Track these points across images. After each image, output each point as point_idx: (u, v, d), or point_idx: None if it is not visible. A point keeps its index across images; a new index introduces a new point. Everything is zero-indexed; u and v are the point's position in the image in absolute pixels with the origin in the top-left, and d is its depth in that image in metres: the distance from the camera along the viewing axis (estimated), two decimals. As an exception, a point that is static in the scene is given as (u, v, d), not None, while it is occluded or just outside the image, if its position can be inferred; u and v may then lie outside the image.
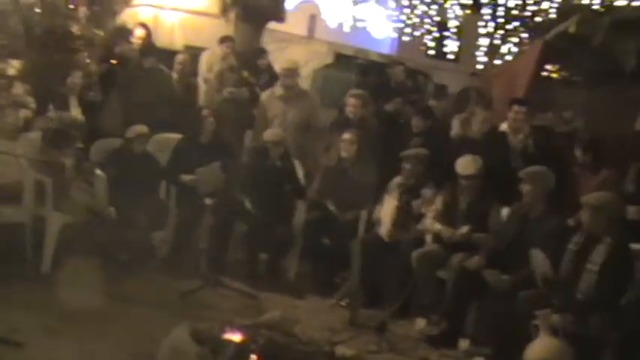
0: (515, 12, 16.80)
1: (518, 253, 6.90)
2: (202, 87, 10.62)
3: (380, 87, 11.22)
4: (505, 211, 7.56)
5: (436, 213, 7.73)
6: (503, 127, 8.83)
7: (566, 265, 6.44)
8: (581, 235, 6.48)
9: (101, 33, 9.00)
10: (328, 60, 16.10)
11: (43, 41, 8.71)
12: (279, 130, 8.76)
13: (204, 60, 10.96)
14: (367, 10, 17.90)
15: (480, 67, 16.26)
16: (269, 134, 8.56)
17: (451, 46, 18.71)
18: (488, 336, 6.97)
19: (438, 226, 7.63)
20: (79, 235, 7.40)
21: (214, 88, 10.22)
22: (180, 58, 10.07)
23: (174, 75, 9.91)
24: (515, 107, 8.65)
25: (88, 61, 9.00)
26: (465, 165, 7.65)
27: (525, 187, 7.12)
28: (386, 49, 17.91)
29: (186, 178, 8.10)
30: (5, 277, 6.81)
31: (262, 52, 11.41)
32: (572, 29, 11.04)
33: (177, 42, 13.92)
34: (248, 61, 10.97)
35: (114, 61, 9.46)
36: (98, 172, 7.81)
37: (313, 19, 17.76)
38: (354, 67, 14.39)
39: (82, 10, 8.86)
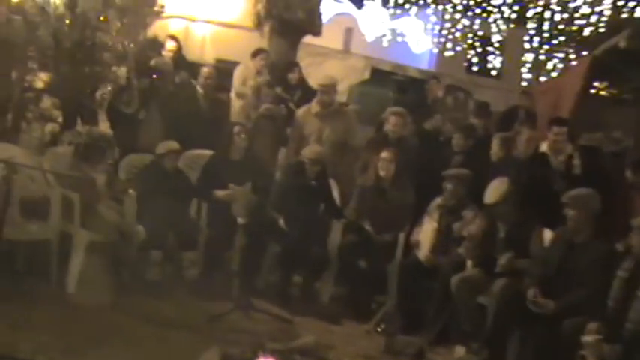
0: (561, 26, 16.74)
1: (564, 279, 6.85)
2: (236, 102, 10.69)
3: (419, 104, 11.23)
4: (547, 234, 7.49)
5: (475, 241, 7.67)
6: (543, 147, 8.79)
7: (616, 293, 6.37)
8: (631, 261, 6.41)
9: (132, 46, 9.08)
10: (365, 75, 16.15)
11: (73, 53, 8.80)
12: (319, 148, 8.79)
13: (238, 74, 11.04)
14: (406, 24, 17.94)
15: (524, 83, 16.24)
16: (308, 151, 8.58)
17: (494, 61, 18.68)
18: (531, 366, 6.90)
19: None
20: (106, 254, 7.48)
21: (251, 103, 10.28)
22: (205, 71, 10.03)
23: (200, 89, 9.92)
24: (555, 128, 8.58)
25: (119, 74, 9.07)
26: (489, 193, 7.62)
27: (569, 212, 6.98)
28: (425, 65, 17.94)
29: (221, 193, 8.16)
30: (29, 295, 6.91)
31: (293, 66, 11.43)
32: (622, 44, 10.98)
33: (208, 55, 14.05)
34: (278, 75, 11.03)
35: (155, 76, 9.53)
36: (131, 191, 7.91)
37: (349, 32, 17.85)
38: (392, 83, 14.43)
39: (113, 22, 8.93)
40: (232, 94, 10.92)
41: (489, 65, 19.05)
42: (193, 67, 10.61)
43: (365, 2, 17.88)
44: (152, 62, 9.80)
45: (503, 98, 14.10)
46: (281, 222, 8.35)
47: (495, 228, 7.59)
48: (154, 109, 9.25)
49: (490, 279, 7.35)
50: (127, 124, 8.99)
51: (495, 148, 8.62)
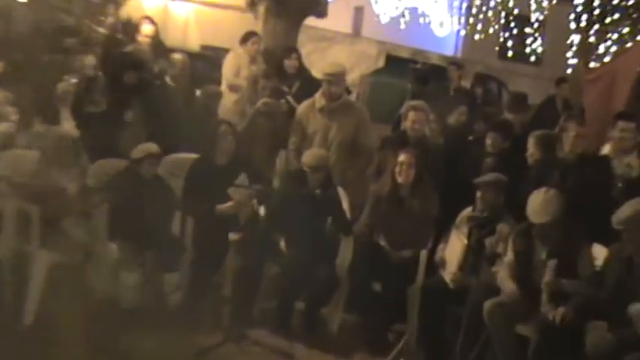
0: (615, 1, 16.69)
1: (622, 305, 6.80)
2: (229, 96, 10.74)
3: (442, 97, 11.29)
4: (598, 251, 7.50)
5: (508, 265, 7.65)
6: (606, 149, 8.79)
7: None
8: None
9: (101, 29, 9.14)
10: (379, 64, 16.21)
11: (29, 39, 8.84)
12: (322, 152, 8.84)
13: (229, 63, 11.10)
14: (427, 2, 17.96)
15: (569, 71, 16.23)
16: (309, 157, 8.58)
17: (533, 45, 18.67)
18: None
19: (507, 286, 7.53)
20: (71, 278, 7.55)
21: (246, 97, 10.33)
22: (178, 59, 10.05)
23: (170, 82, 9.95)
24: (621, 123, 8.57)
25: (85, 63, 9.11)
26: (537, 209, 7.44)
27: (626, 236, 6.97)
28: (450, 50, 18.01)
29: (224, 207, 8.24)
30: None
31: (290, 52, 11.52)
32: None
33: (192, 41, 14.10)
34: (274, 64, 11.08)
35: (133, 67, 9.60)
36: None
37: (359, 12, 17.92)
38: (411, 72, 14.50)
39: (78, 1, 8.97)
40: (223, 87, 10.98)
41: (527, 50, 19.08)
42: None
43: (378, -25, 17.90)
44: (129, 48, 9.85)
45: (543, 89, 14.14)
46: (281, 239, 8.43)
47: (533, 251, 7.54)
48: (137, 108, 9.33)
49: (531, 304, 7.34)
50: (98, 124, 9.04)
51: (532, 149, 8.59)
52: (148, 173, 8.25)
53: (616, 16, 17.28)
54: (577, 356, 6.93)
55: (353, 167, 9.51)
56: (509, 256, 7.63)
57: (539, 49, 18.93)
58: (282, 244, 8.44)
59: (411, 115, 9.34)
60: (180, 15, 14.58)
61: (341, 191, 8.93)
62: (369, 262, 8.36)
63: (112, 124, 9.20)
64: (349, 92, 11.79)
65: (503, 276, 7.58)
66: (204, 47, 13.63)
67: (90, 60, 9.18)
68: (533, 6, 18.23)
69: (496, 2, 17.91)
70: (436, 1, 18.05)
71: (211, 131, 8.77)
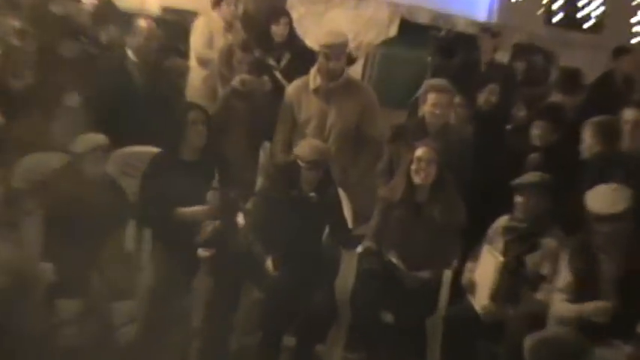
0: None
1: None
2: (199, 73, 10.71)
3: (471, 74, 11.28)
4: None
5: (565, 288, 7.62)
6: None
7: None
8: None
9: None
10: (390, 32, 16.18)
11: None
12: (319, 143, 8.77)
13: (199, 30, 11.10)
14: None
15: (635, 40, 16.18)
16: (306, 148, 8.48)
17: (589, 8, 18.62)
18: None
19: (575, 308, 7.45)
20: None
21: (218, 74, 10.27)
22: (143, 27, 9.91)
23: (132, 56, 9.83)
24: None
25: (10, 29, 9.07)
26: (608, 198, 7.41)
27: None
28: (483, 15, 17.94)
29: (188, 210, 8.20)
30: None
31: (278, 16, 11.47)
32: None
33: (151, 2, 14.07)
34: (256, 31, 11.05)
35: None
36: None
37: (366, -34, 17.86)
38: (432, 42, 14.49)
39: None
40: (192, 62, 10.95)
41: (581, 14, 19.07)
42: (128, 21, 10.57)
43: None
44: (66, 10, 9.80)
45: (602, 62, 14.11)
46: (262, 253, 8.34)
47: (596, 268, 7.49)
48: (79, 88, 9.28)
49: (588, 340, 7.32)
50: (27, 108, 9.01)
51: (589, 140, 8.56)
52: (94, 172, 8.19)
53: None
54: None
55: (357, 164, 9.59)
56: (567, 276, 7.59)
57: (597, 12, 18.87)
58: (267, 261, 8.34)
59: (432, 97, 9.24)
60: (136, -30, 14.60)
61: (341, 194, 8.94)
62: (377, 285, 8.33)
63: (46, 107, 9.12)
64: (353, 61, 11.76)
65: (558, 303, 7.55)
66: (167, 10, 13.58)
67: (15, 24, 9.13)
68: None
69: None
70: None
71: (178, 118, 8.65)
